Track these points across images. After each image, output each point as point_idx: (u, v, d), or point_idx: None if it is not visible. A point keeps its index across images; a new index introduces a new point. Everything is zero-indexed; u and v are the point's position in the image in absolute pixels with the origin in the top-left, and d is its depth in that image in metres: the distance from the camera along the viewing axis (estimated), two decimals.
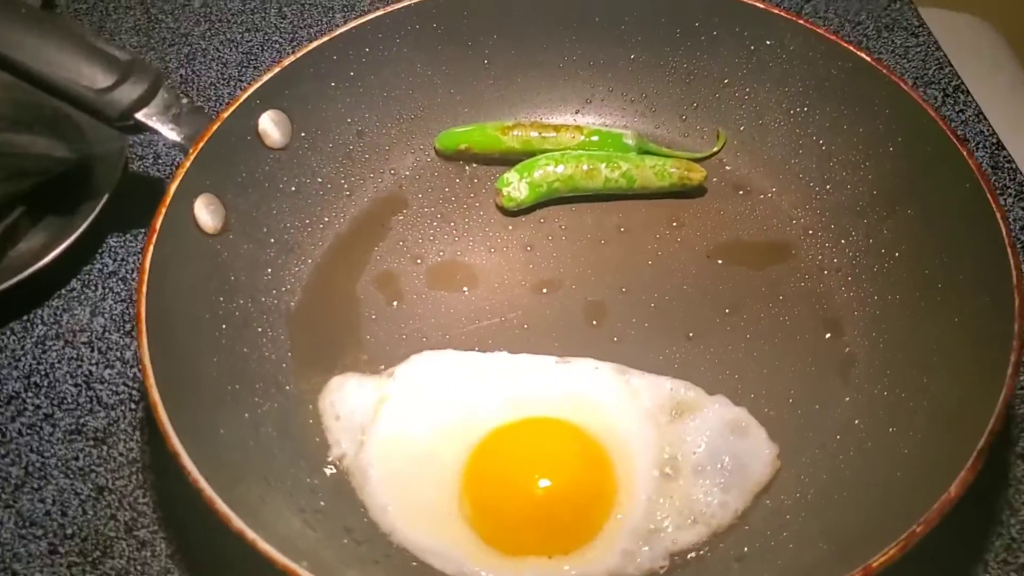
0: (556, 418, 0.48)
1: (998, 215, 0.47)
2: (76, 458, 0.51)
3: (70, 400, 0.53)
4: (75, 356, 0.55)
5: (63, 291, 0.58)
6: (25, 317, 0.57)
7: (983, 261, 0.47)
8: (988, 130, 0.64)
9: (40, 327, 0.56)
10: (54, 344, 0.55)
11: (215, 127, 0.53)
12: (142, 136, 0.65)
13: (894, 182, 0.54)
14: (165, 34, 0.74)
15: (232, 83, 0.70)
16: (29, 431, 0.52)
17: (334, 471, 0.48)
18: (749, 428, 0.48)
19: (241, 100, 0.55)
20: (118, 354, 0.55)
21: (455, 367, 0.52)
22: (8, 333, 0.56)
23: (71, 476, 0.50)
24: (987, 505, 0.48)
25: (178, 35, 0.74)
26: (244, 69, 0.71)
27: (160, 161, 0.66)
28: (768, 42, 0.59)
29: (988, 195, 0.48)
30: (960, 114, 0.65)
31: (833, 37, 0.56)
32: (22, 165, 0.62)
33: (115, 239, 0.61)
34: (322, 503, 0.46)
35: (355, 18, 0.59)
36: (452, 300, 0.56)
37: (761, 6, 0.59)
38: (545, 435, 0.47)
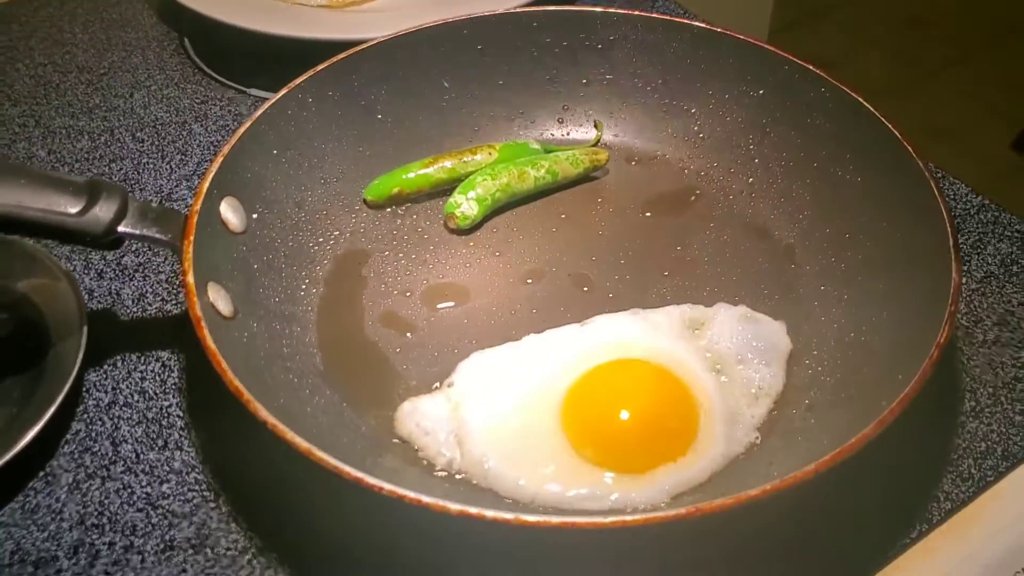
0: (619, 358, 0.54)
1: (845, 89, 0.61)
2: (183, 572, 0.49)
3: (142, 525, 0.51)
4: (122, 486, 0.52)
5: (69, 436, 0.55)
6: (41, 473, 0.53)
7: (845, 124, 0.61)
8: None
9: (65, 475, 0.53)
10: (91, 484, 0.53)
11: (194, 220, 0.54)
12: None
13: (754, 112, 0.67)
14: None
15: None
16: (116, 567, 0.49)
17: (456, 478, 0.51)
18: (755, 316, 0.58)
19: (203, 191, 0.56)
20: (167, 467, 0.53)
21: (501, 359, 0.56)
22: (32, 493, 0.52)
23: None
24: None
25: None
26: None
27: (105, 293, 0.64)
28: (610, 39, 0.71)
29: (832, 80, 0.62)
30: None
31: (668, 17, 0.69)
32: None
33: (94, 375, 0.58)
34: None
35: (265, 101, 0.63)
36: (457, 313, 0.60)
37: (599, 10, 0.70)
38: (621, 371, 0.54)
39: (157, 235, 0.54)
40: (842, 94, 0.61)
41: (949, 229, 0.52)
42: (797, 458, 0.48)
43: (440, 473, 0.51)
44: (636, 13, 0.69)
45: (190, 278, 0.51)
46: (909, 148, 0.57)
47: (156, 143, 0.75)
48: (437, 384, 0.56)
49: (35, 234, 0.52)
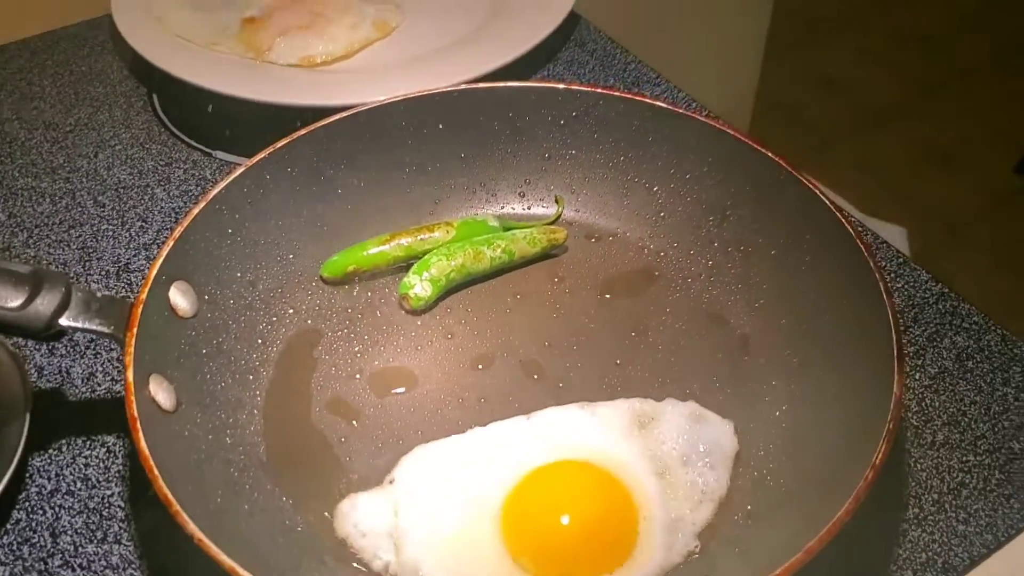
0: (561, 460, 0.54)
1: (807, 183, 0.61)
2: None
3: None
4: None
5: (9, 526, 0.55)
6: None
7: (813, 223, 0.60)
8: None
9: (1, 568, 0.53)
10: None
11: (139, 310, 0.54)
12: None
13: (715, 193, 0.67)
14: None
15: (89, 279, 0.69)
16: None
17: None
18: (704, 415, 0.57)
19: (151, 278, 0.56)
20: (104, 561, 0.53)
21: (444, 453, 0.56)
22: None
23: None
24: None
25: None
26: (85, 264, 0.70)
27: (48, 373, 0.63)
28: (572, 114, 0.70)
29: (791, 170, 0.61)
30: None
31: (630, 95, 0.69)
32: None
33: (39, 459, 0.58)
34: None
35: (220, 180, 0.62)
36: (405, 400, 0.60)
37: (561, 87, 0.70)
38: (562, 475, 0.53)
39: (99, 327, 0.54)
40: (801, 186, 0.61)
41: (895, 338, 0.52)
42: (735, 571, 0.48)
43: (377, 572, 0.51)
44: (598, 90, 0.69)
45: (130, 375, 0.51)
46: (863, 248, 0.56)
47: (117, 208, 0.75)
48: (379, 480, 0.55)
49: None
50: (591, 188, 0.71)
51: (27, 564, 0.53)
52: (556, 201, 0.71)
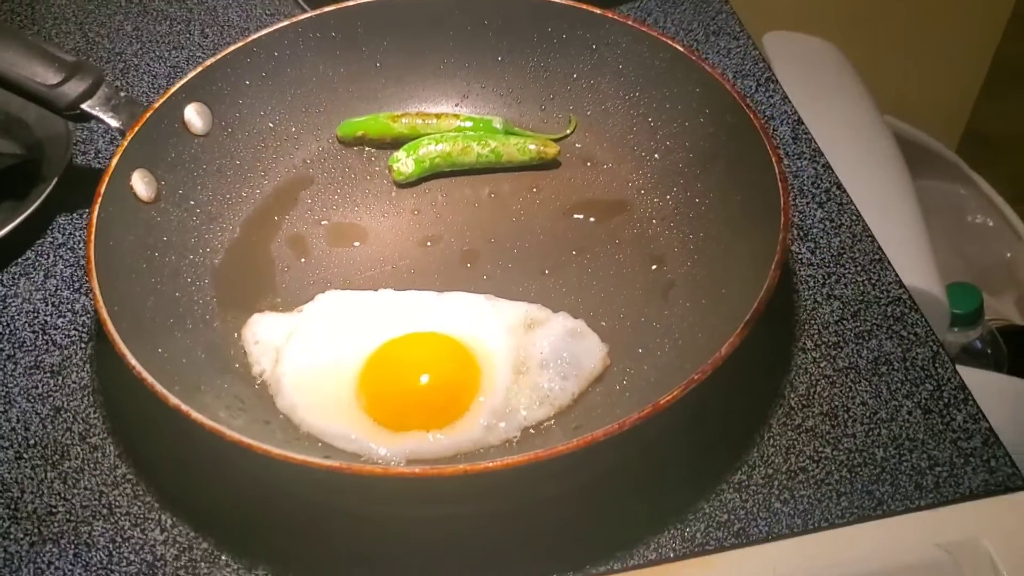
0: (432, 331, 0.60)
1: (775, 162, 0.60)
2: (36, 387, 0.61)
3: (29, 344, 0.63)
4: (32, 310, 0.65)
5: (19, 260, 0.68)
6: None
7: (766, 198, 0.60)
8: (791, 110, 0.78)
9: (0, 289, 0.66)
10: (13, 302, 0.66)
11: (148, 115, 0.65)
12: (85, 134, 0.77)
13: (706, 146, 0.68)
14: (102, 53, 0.85)
15: (161, 91, 0.81)
16: None
17: (256, 386, 0.59)
18: (584, 333, 0.61)
19: (169, 94, 0.66)
20: (69, 306, 0.65)
21: (351, 302, 0.63)
22: None
23: (32, 400, 0.60)
24: (771, 381, 0.60)
25: (113, 54, 0.85)
26: (171, 79, 0.82)
27: (100, 156, 0.76)
28: (606, 42, 0.73)
29: (768, 146, 0.61)
30: (769, 98, 0.79)
31: (655, 33, 0.70)
32: None
33: (63, 218, 0.71)
34: (244, 405, 0.57)
35: (265, 28, 0.71)
36: (351, 254, 0.67)
37: (598, 12, 0.72)
38: (423, 343, 0.59)
39: (110, 119, 0.65)
40: (765, 155, 0.61)
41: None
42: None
43: (250, 383, 0.59)
44: (629, 22, 0.71)
45: (113, 161, 0.62)
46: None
47: (215, 42, 0.86)
48: (292, 308, 0.63)
49: (12, 91, 0.64)
50: (603, 117, 0.74)
51: (16, 291, 0.66)
52: (570, 121, 0.75)
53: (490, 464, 0.47)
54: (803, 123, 0.77)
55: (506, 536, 0.54)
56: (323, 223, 0.69)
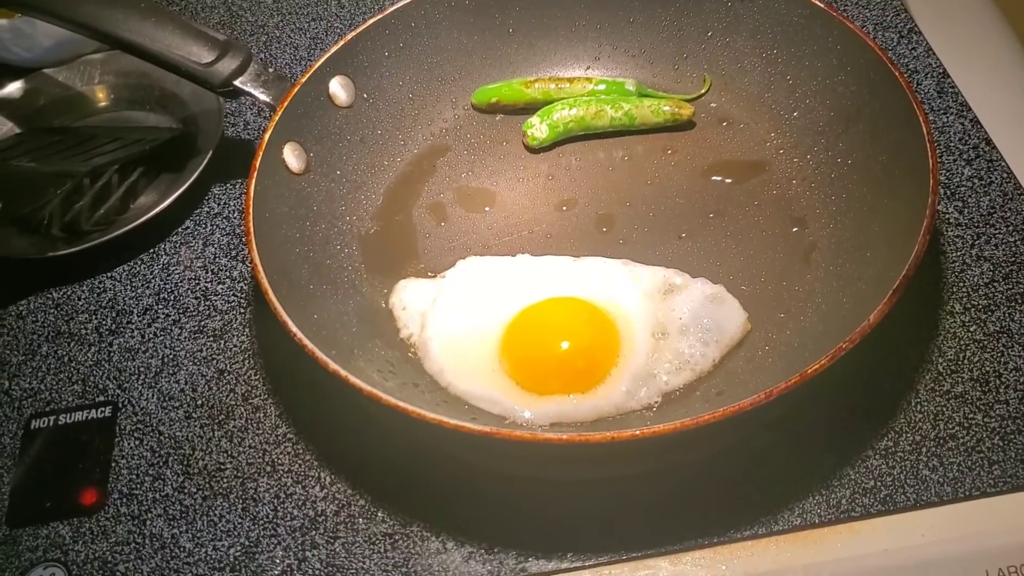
0: (572, 296, 0.61)
1: (921, 119, 0.59)
2: (201, 351, 0.65)
3: (192, 309, 0.68)
4: (193, 277, 0.69)
5: (179, 230, 0.73)
6: (152, 250, 0.71)
7: (912, 159, 0.58)
8: (936, 63, 0.75)
9: (164, 257, 0.71)
10: (176, 269, 0.70)
11: (296, 89, 0.67)
12: (234, 106, 0.80)
13: (847, 104, 0.66)
14: (245, 26, 0.89)
15: (303, 63, 0.84)
16: (163, 332, 0.66)
17: (404, 347, 0.62)
18: (724, 299, 0.61)
19: (315, 68, 0.69)
20: (227, 273, 0.69)
21: (492, 268, 0.65)
22: (139, 263, 0.71)
23: (198, 363, 0.65)
24: (917, 345, 0.59)
25: (256, 26, 0.89)
26: (312, 51, 0.86)
27: (248, 127, 0.80)
28: None
29: (914, 104, 0.59)
30: (912, 51, 0.76)
31: None
32: (139, 135, 0.77)
33: (217, 188, 0.75)
34: (394, 367, 0.60)
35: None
36: (488, 219, 0.69)
37: None
38: (564, 308, 0.61)
39: (261, 95, 0.68)
40: (912, 115, 0.59)
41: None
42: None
43: (399, 346, 0.62)
44: None
45: (266, 136, 0.65)
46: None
47: (352, 12, 0.88)
48: (437, 272, 0.66)
49: (170, 71, 0.68)
50: (739, 75, 0.73)
51: (179, 259, 0.71)
52: (704, 80, 0.74)
53: (637, 432, 0.48)
54: (949, 76, 0.74)
55: (648, 500, 0.55)
56: (460, 189, 0.71)
